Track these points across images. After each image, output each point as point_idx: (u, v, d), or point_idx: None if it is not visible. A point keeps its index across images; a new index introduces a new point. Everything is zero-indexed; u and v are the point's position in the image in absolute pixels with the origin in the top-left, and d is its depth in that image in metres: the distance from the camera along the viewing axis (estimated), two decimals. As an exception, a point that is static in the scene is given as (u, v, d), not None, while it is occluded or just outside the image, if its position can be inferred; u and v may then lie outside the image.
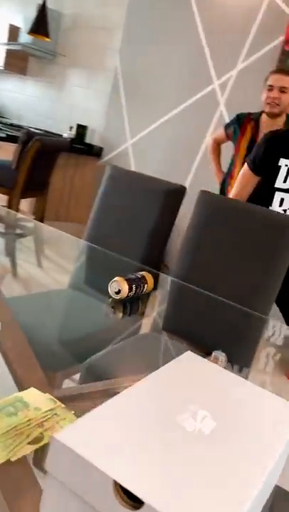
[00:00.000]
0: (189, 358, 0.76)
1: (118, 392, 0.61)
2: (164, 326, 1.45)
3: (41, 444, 0.66)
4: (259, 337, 1.56)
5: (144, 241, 1.83)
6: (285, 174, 1.67)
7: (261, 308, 1.58)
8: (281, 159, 1.68)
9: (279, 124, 2.26)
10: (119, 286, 1.25)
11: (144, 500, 0.44)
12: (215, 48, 3.22)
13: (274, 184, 1.69)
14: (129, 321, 1.38)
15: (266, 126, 2.27)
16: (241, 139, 2.34)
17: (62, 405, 0.75)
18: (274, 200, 1.69)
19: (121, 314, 1.35)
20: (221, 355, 1.07)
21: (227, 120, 3.16)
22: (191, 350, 1.14)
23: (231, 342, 1.37)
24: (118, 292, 1.26)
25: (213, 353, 1.08)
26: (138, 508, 0.45)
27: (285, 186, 1.70)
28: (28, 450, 0.64)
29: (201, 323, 1.48)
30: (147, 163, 3.73)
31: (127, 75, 3.92)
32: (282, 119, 2.27)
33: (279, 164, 1.67)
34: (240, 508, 0.46)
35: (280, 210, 1.69)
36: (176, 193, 1.82)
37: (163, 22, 3.55)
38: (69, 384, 1.09)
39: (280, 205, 1.67)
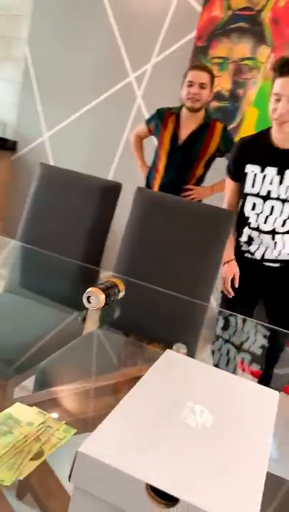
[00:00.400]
0: (170, 357, 0.80)
1: (81, 393, 0.64)
2: (108, 323, 1.48)
3: (43, 458, 0.67)
4: (202, 324, 1.66)
5: (83, 239, 1.84)
6: (252, 180, 1.73)
7: (202, 296, 1.67)
8: (247, 165, 1.74)
9: (199, 117, 2.36)
10: (96, 296, 1.22)
11: (179, 497, 0.48)
12: (128, 40, 3.24)
13: (244, 189, 1.76)
14: (73, 321, 1.39)
15: (187, 119, 2.37)
16: (164, 133, 2.41)
17: (52, 417, 0.76)
18: (246, 204, 1.76)
19: (96, 324, 1.35)
20: (181, 347, 1.13)
21: (145, 112, 3.22)
22: (137, 344, 1.19)
23: (176, 331, 1.44)
24: (94, 303, 1.23)
25: (174, 346, 1.13)
26: (172, 505, 0.49)
27: (253, 191, 1.75)
28: (33, 466, 0.65)
29: (146, 316, 1.53)
30: (66, 157, 3.68)
31: (39, 65, 3.80)
32: (202, 113, 2.38)
33: (246, 171, 1.74)
34: (259, 487, 0.52)
35: (252, 213, 1.76)
36: (113, 190, 1.85)
37: (73, 12, 3.49)
38: (19, 392, 1.08)
39: (253, 208, 1.74)
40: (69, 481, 0.53)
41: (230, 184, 1.85)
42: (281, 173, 1.66)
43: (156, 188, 2.45)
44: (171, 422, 0.62)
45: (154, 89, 3.20)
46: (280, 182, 1.66)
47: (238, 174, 1.78)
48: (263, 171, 1.69)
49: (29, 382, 1.11)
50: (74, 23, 3.51)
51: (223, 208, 1.77)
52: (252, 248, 1.78)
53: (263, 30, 2.69)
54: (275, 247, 1.74)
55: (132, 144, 2.70)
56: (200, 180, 2.44)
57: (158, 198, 1.83)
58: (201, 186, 2.44)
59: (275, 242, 1.73)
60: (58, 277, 1.72)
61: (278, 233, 1.72)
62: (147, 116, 3.24)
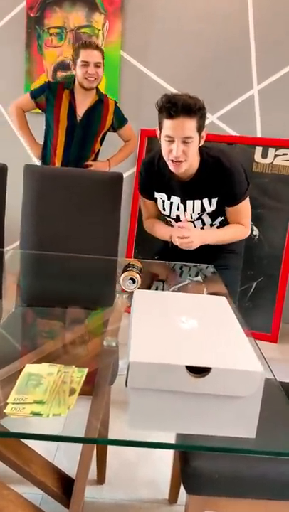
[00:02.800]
0: (141, 293, 1.00)
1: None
2: (25, 301, 1.57)
3: (77, 393, 0.82)
4: (115, 274, 1.84)
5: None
6: (161, 205, 1.82)
7: (110, 251, 1.86)
8: (155, 192, 1.81)
9: (93, 94, 2.40)
10: (136, 279, 1.34)
11: (211, 366, 0.70)
12: None
13: (164, 211, 1.84)
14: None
15: (82, 96, 2.39)
16: (59, 109, 2.37)
17: (62, 365, 0.90)
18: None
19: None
20: (113, 341, 1.27)
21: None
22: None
23: (92, 289, 1.59)
24: (135, 283, 1.35)
25: (104, 342, 1.27)
26: (206, 374, 0.70)
27: (165, 213, 1.84)
28: (74, 400, 0.80)
29: (62, 283, 1.64)
30: None
31: None
32: (94, 90, 2.44)
33: (155, 196, 1.82)
34: (248, 345, 0.76)
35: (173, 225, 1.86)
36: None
37: None
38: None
39: (171, 223, 1.87)
40: (126, 386, 0.71)
41: (144, 201, 1.91)
42: (183, 202, 1.76)
43: (57, 165, 2.42)
44: (173, 329, 0.82)
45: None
46: (184, 209, 1.77)
47: (149, 197, 1.85)
48: (169, 198, 1.79)
49: None
50: None
51: (112, 172, 1.92)
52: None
53: (93, -3, 2.83)
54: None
55: (15, 119, 2.52)
56: (97, 155, 2.52)
57: (49, 171, 1.92)
58: (98, 161, 2.52)
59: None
60: None
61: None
62: (-8, 92, 3.15)
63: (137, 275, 1.38)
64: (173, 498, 1.57)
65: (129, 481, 1.66)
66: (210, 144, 1.79)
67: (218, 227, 1.83)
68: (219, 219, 1.79)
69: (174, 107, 1.53)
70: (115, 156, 2.56)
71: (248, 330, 1.17)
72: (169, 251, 1.87)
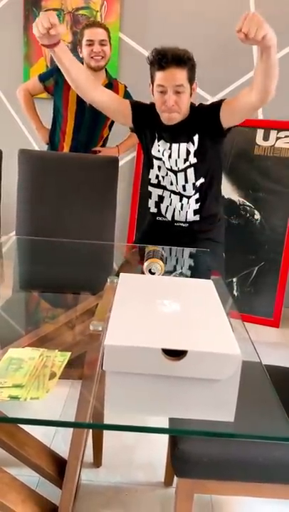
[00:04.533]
0: (127, 277, 0.98)
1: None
2: (22, 285, 1.57)
3: (57, 377, 0.81)
4: (112, 261, 1.84)
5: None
6: (145, 144, 1.79)
7: (107, 237, 1.85)
8: (144, 128, 1.77)
9: (102, 77, 2.35)
10: (158, 265, 1.29)
11: (187, 349, 0.69)
12: None
13: (151, 151, 1.78)
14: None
15: None
16: (68, 92, 2.30)
17: (45, 349, 0.90)
18: (151, 165, 1.81)
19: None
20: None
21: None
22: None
23: (86, 274, 1.58)
24: (155, 273, 1.30)
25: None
26: (182, 357, 0.69)
27: (158, 155, 1.77)
28: (54, 384, 0.79)
29: (60, 268, 1.65)
30: None
31: None
32: (103, 72, 2.36)
33: (142, 130, 1.77)
34: (229, 329, 0.75)
35: (158, 175, 1.80)
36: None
37: None
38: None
39: (159, 170, 1.80)
40: (102, 369, 0.70)
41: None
42: (170, 147, 1.71)
43: (66, 150, 2.39)
44: (154, 313, 0.81)
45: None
46: (169, 156, 1.72)
47: (137, 121, 1.79)
48: (152, 140, 1.75)
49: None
50: None
51: (107, 156, 1.90)
52: (162, 208, 1.84)
53: (91, -22, 2.76)
54: (181, 209, 1.80)
55: (23, 102, 2.46)
56: (105, 141, 2.47)
57: (43, 155, 1.91)
58: (107, 147, 2.47)
59: (182, 204, 1.80)
60: None
61: (185, 196, 1.78)
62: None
63: (161, 261, 1.35)
64: (168, 480, 1.58)
65: (126, 464, 1.67)
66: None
67: (196, 200, 1.79)
68: (201, 180, 1.76)
69: (165, 58, 1.61)
70: (124, 142, 2.50)
71: (238, 313, 1.16)
72: (151, 233, 1.86)
